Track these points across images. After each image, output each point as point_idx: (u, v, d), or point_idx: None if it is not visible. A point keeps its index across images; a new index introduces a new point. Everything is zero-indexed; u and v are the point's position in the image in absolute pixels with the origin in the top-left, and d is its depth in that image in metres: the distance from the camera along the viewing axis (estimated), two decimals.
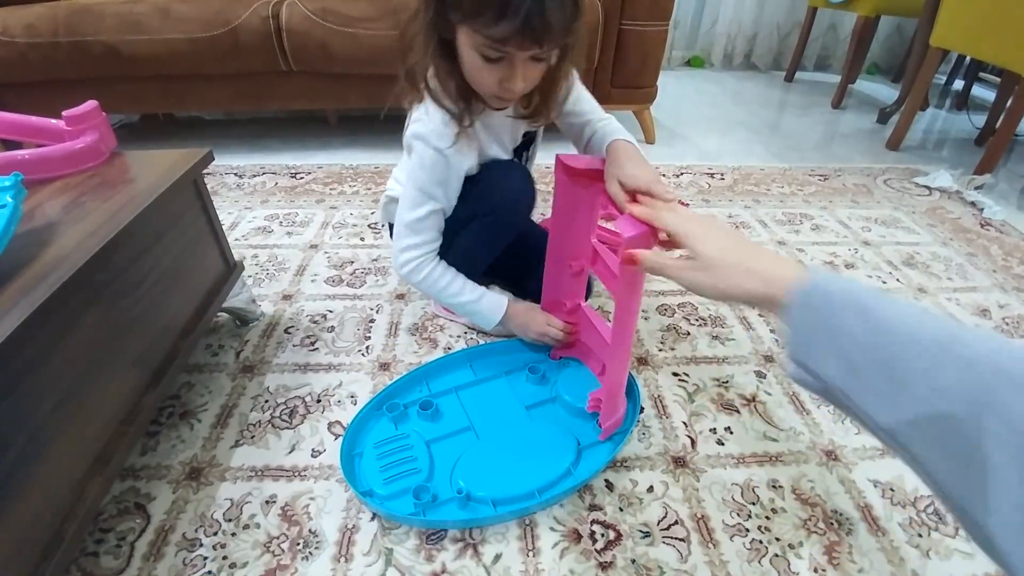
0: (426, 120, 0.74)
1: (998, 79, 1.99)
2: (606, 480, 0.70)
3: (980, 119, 1.91)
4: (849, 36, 2.38)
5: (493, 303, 0.84)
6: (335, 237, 1.21)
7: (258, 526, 0.63)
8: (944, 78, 2.50)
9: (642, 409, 0.79)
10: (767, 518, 0.66)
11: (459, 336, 0.93)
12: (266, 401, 0.80)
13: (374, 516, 0.65)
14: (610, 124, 0.80)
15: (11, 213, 0.52)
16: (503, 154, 0.84)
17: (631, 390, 0.79)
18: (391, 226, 0.87)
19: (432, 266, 0.81)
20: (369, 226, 1.26)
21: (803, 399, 0.83)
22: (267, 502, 0.66)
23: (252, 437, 0.74)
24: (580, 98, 0.82)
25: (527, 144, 0.89)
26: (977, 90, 2.29)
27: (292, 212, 1.31)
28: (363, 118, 1.92)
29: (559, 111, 0.81)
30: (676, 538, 0.64)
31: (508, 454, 0.70)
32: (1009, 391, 0.26)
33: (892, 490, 0.70)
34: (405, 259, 0.81)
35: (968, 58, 2.24)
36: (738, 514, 0.66)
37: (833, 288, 0.35)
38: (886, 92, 2.43)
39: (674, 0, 1.54)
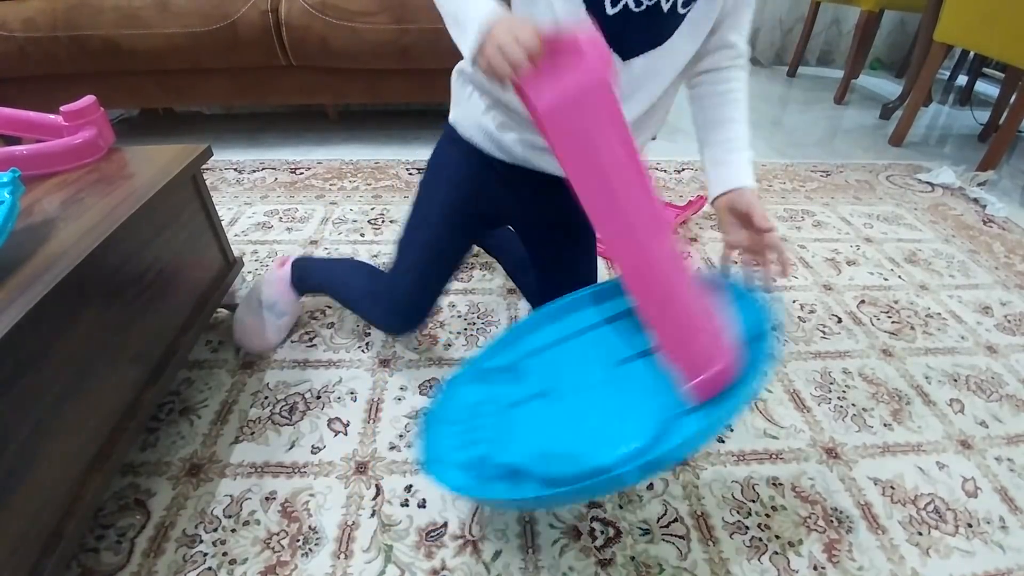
0: None
1: (1002, 74, 1.98)
2: None
3: (984, 115, 1.90)
4: (852, 31, 2.37)
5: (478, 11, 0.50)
6: (335, 233, 1.20)
7: (258, 522, 0.63)
8: (948, 73, 2.49)
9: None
10: (767, 516, 0.66)
11: (459, 332, 0.92)
12: (266, 397, 0.80)
13: (374, 513, 0.65)
14: (741, 90, 0.63)
15: (9, 209, 0.51)
16: None
17: (756, 318, 0.53)
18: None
19: None
20: (369, 222, 1.25)
21: (804, 397, 0.83)
22: (267, 498, 0.66)
23: (252, 433, 0.74)
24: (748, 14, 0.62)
25: None
26: (981, 86, 2.27)
27: (292, 208, 1.30)
28: (363, 113, 1.91)
29: None
30: (676, 535, 0.64)
31: (582, 427, 0.56)
32: None
33: (892, 488, 0.70)
34: None
35: (972, 53, 2.23)
36: (738, 512, 0.66)
37: None
38: (889, 87, 2.42)
39: None
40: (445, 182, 0.76)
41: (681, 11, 0.60)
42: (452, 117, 0.76)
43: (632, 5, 0.59)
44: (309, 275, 0.89)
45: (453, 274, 0.80)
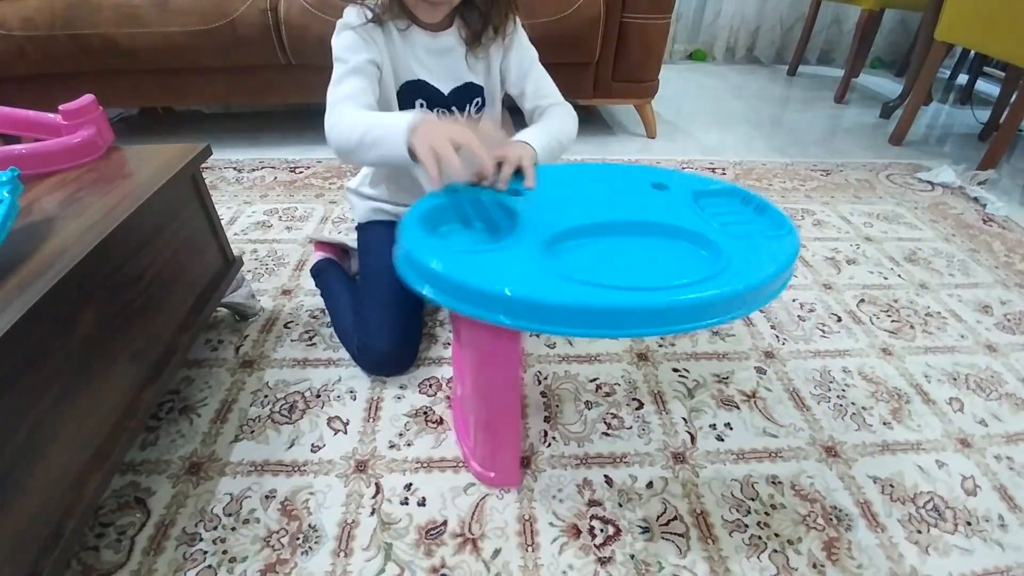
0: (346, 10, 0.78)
1: (1003, 73, 1.97)
2: (605, 476, 0.70)
3: (984, 114, 1.90)
4: (853, 29, 2.37)
5: (396, 121, 0.63)
6: (334, 232, 1.20)
7: (258, 521, 0.64)
8: (948, 72, 2.49)
9: None
10: (766, 514, 0.66)
11: None
12: (265, 396, 0.80)
13: (373, 511, 0.65)
14: (556, 108, 0.81)
15: (8, 208, 0.51)
16: (433, 82, 0.80)
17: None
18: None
19: (341, 109, 0.73)
20: None
21: (803, 395, 0.83)
22: (267, 497, 0.66)
23: (252, 432, 0.74)
24: (540, 81, 0.83)
25: (470, 96, 0.82)
26: (981, 85, 2.27)
27: (291, 207, 1.30)
28: None
29: (516, 86, 0.82)
30: (675, 533, 0.64)
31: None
32: None
33: (891, 486, 0.70)
34: (328, 119, 0.73)
35: (972, 52, 2.23)
36: (737, 510, 0.66)
37: None
38: (889, 86, 2.42)
39: None
40: (384, 246, 0.77)
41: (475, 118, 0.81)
42: (358, 222, 0.95)
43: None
44: (321, 285, 0.99)
45: (422, 311, 0.90)
